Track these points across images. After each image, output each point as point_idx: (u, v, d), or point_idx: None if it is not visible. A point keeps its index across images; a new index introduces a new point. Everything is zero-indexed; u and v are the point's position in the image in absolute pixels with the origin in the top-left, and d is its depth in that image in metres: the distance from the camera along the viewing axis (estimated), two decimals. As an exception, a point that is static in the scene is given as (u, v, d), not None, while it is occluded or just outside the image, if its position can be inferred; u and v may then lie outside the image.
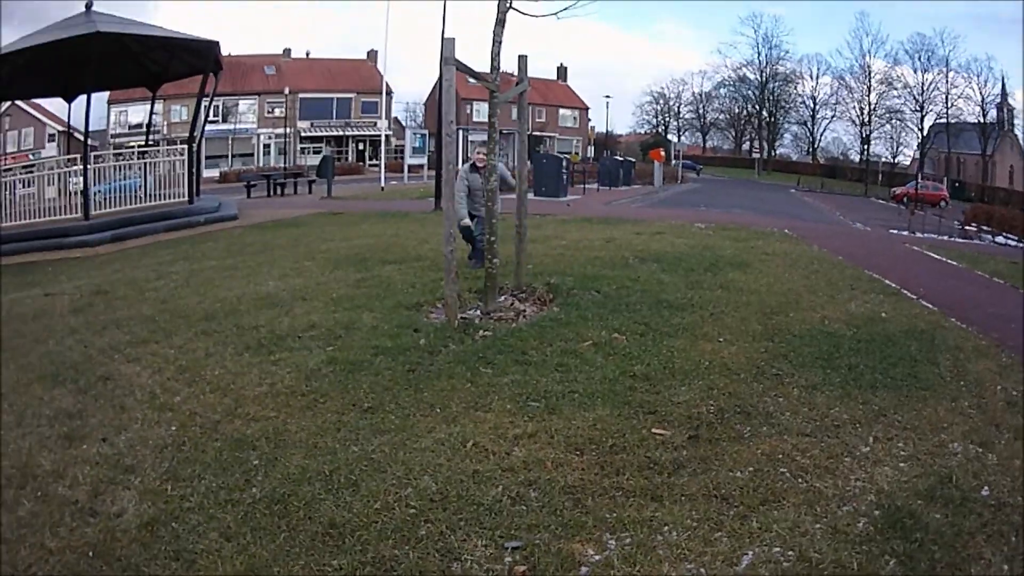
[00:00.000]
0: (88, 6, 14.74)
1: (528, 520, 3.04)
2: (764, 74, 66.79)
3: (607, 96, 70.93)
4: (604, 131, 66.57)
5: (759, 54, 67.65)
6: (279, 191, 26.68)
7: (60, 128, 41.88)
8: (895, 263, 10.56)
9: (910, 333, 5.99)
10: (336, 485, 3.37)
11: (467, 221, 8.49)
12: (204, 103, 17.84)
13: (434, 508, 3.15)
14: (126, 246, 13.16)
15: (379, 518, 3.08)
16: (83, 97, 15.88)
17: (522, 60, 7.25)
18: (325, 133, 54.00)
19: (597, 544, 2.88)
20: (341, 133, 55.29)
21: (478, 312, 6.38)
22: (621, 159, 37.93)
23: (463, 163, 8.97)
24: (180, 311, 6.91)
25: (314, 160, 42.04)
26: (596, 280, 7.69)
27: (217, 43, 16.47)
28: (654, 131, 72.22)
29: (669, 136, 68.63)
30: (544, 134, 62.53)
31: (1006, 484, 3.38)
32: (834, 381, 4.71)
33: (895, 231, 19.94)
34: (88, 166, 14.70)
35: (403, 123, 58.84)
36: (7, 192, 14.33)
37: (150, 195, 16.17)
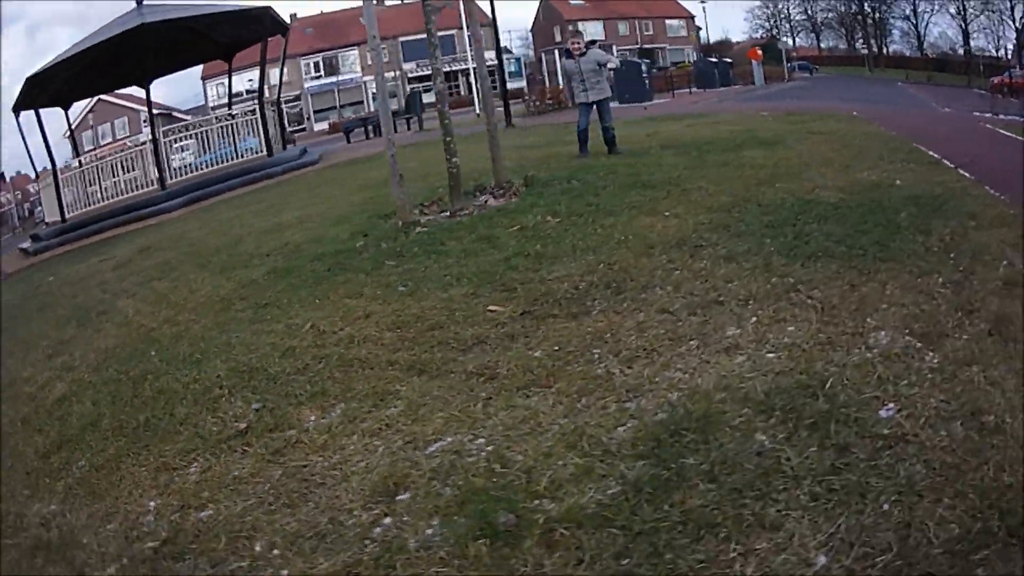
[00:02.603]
0: (138, 2, 15.01)
1: (290, 387, 3.17)
2: None
3: (702, 2, 66.08)
4: (709, 38, 62.31)
5: None
6: (377, 133, 26.68)
7: (156, 111, 44.10)
8: (953, 137, 8.94)
9: (915, 200, 4.54)
10: (186, 365, 3.81)
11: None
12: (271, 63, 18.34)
13: (232, 378, 3.45)
14: (200, 205, 13.57)
15: (192, 386, 3.49)
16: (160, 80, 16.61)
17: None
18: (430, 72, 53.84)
19: (322, 410, 2.90)
20: (449, 68, 55.01)
21: (447, 212, 6.15)
22: (716, 60, 34.96)
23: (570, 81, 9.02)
24: (196, 252, 7.33)
25: (428, 99, 42.38)
26: (584, 170, 7.10)
27: (268, 7, 16.27)
28: (768, 35, 66.88)
29: (784, 39, 63.39)
30: (654, 46, 59.79)
31: (926, 403, 2.12)
32: (763, 251, 3.74)
33: (978, 113, 17.51)
34: (160, 142, 15.54)
35: (511, 50, 57.55)
36: (110, 178, 15.42)
37: (235, 154, 16.83)
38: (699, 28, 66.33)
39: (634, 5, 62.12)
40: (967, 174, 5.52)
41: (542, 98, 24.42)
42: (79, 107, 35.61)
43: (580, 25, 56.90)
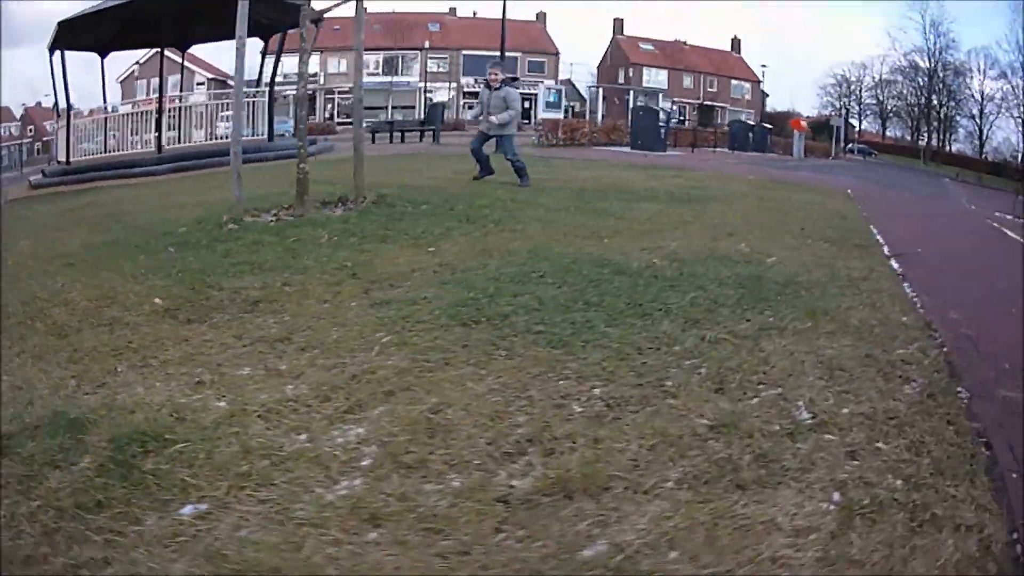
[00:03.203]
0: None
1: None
2: (932, 62, 58.44)
3: (763, 65, 65.71)
4: (775, 106, 61.55)
5: (927, 41, 59.02)
6: (401, 138, 26.68)
7: (209, 76, 45.03)
8: (932, 227, 8.59)
9: (750, 280, 4.00)
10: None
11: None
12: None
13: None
14: (187, 175, 13.82)
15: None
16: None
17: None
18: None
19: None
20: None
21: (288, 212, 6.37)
22: (752, 124, 34.14)
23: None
24: (113, 215, 7.52)
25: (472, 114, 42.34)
26: (452, 195, 7.19)
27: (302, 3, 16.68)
28: (836, 114, 65.82)
29: (851, 120, 62.38)
30: (716, 104, 59.45)
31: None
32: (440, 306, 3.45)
33: (998, 213, 16.41)
34: (165, 108, 16.24)
35: (574, 83, 57.87)
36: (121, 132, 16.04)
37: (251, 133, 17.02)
38: (765, 94, 65.72)
39: (703, 59, 61.77)
40: (896, 264, 5.14)
41: (554, 132, 23.65)
42: (135, 56, 36.10)
43: (644, 71, 57.23)
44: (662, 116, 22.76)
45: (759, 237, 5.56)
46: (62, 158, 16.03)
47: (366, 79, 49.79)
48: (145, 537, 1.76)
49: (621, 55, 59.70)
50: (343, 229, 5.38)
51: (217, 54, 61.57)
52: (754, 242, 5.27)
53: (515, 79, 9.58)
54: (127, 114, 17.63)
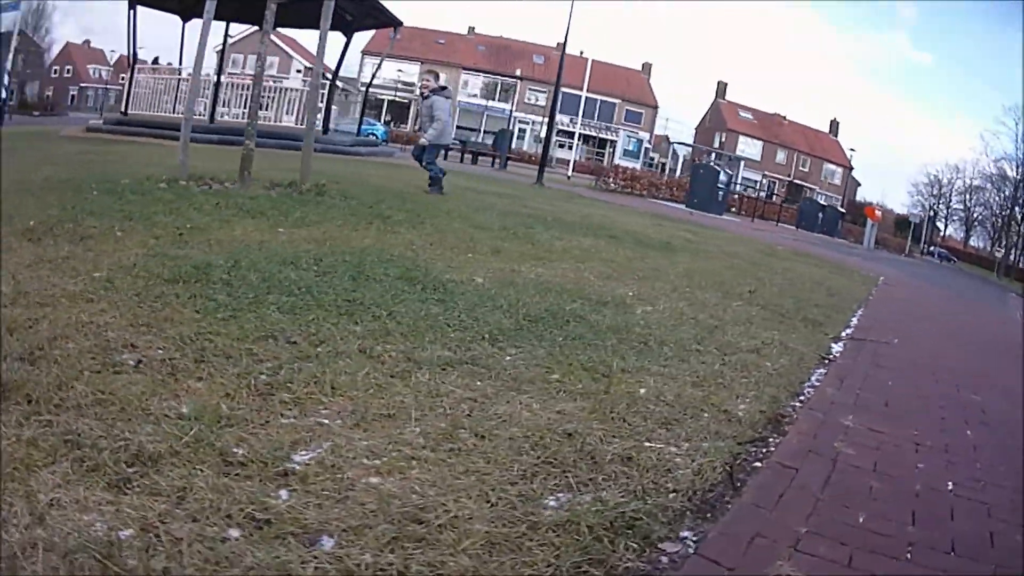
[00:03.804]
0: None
1: None
2: (1021, 171, 54.28)
3: (852, 149, 63.55)
4: (859, 196, 59.40)
5: (1018, 149, 55.07)
6: (473, 159, 26.88)
7: (307, 64, 46.84)
8: (946, 330, 7.00)
9: (568, 315, 3.75)
10: None
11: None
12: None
13: None
14: (225, 148, 14.15)
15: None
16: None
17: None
18: (578, 130, 54.30)
19: None
20: (596, 134, 54.91)
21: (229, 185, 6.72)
22: (824, 204, 32.70)
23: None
24: (99, 163, 8.18)
25: (564, 154, 42.67)
26: (387, 200, 7.24)
27: (379, 4, 17.16)
28: (925, 214, 62.71)
29: (937, 224, 59.30)
30: (805, 184, 57.98)
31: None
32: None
33: None
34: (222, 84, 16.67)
35: (669, 139, 57.86)
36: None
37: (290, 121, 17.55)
38: (857, 183, 63.69)
39: (799, 137, 60.47)
40: (836, 349, 4.40)
41: (614, 177, 24.14)
42: (237, 29, 36.79)
43: (740, 139, 56.33)
44: (722, 177, 21.39)
45: (678, 289, 5.14)
46: (129, 110, 16.59)
47: (466, 100, 51.33)
48: None
49: (720, 119, 58.98)
50: (243, 204, 5.61)
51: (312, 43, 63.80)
52: (660, 292, 4.90)
53: (444, 88, 9.33)
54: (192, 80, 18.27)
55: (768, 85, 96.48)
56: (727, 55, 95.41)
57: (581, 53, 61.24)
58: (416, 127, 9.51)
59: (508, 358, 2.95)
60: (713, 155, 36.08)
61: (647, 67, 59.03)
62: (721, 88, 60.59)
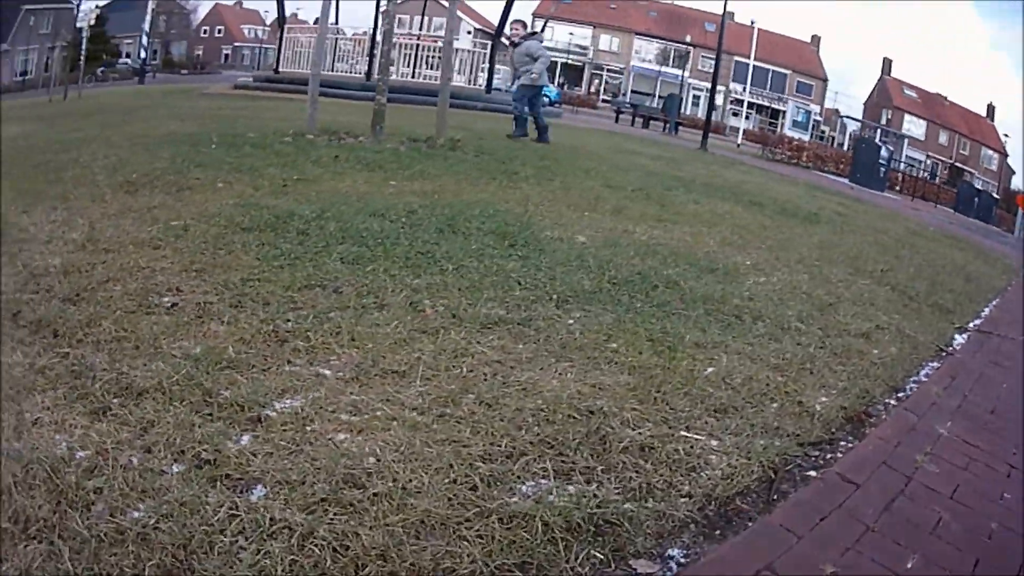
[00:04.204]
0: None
1: None
2: None
3: (1006, 135, 56.20)
4: (1013, 185, 51.89)
5: None
6: (644, 123, 26.16)
7: (476, 25, 46.89)
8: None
9: (664, 281, 3.42)
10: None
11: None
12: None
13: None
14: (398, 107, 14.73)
15: None
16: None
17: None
18: (753, 100, 51.84)
19: None
20: (768, 104, 52.52)
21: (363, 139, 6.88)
22: (980, 190, 29.12)
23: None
24: (227, 119, 8.44)
25: (735, 122, 41.24)
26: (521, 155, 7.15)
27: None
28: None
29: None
30: (964, 167, 53.52)
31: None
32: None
33: None
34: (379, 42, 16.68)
35: (839, 113, 54.80)
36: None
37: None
38: (1012, 171, 57.00)
39: (959, 119, 56.96)
40: (959, 340, 3.85)
41: (780, 147, 22.64)
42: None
43: (906, 117, 52.39)
44: (883, 154, 20.28)
45: (804, 261, 4.62)
46: (281, 68, 16.91)
47: (638, 64, 50.25)
48: None
49: (886, 95, 56.46)
50: (365, 158, 5.69)
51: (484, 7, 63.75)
52: (782, 263, 4.41)
53: (534, 33, 9.37)
54: (355, 38, 18.56)
55: (927, 64, 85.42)
56: (891, 31, 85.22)
57: (752, 23, 58.06)
58: (514, 76, 9.42)
59: (570, 322, 2.73)
60: (879, 131, 33.25)
61: (816, 39, 56.21)
62: (887, 64, 57.29)
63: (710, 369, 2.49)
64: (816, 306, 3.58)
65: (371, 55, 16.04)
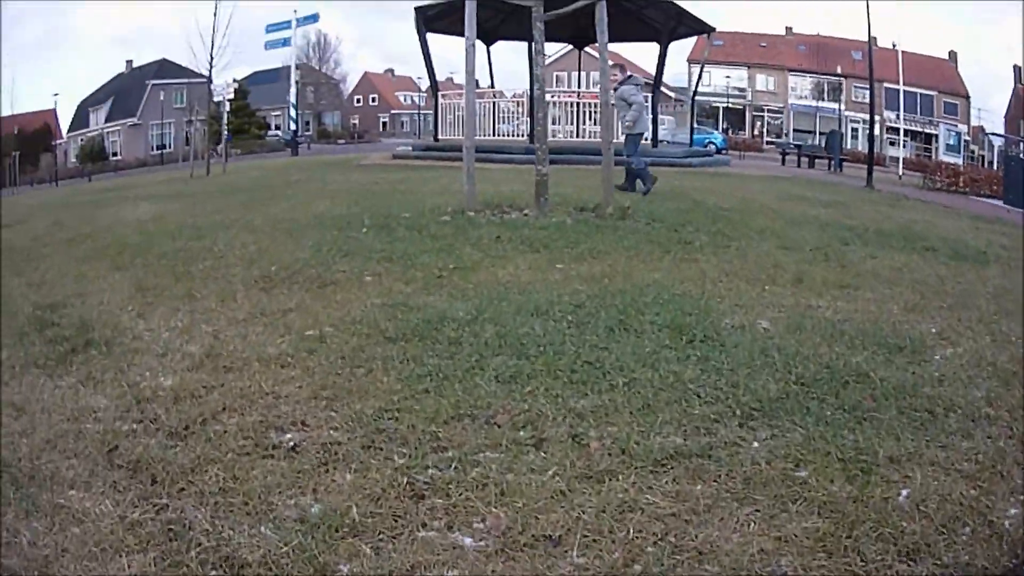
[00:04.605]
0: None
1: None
2: None
3: None
4: None
5: None
6: (810, 163, 25.02)
7: (628, 74, 46.05)
8: None
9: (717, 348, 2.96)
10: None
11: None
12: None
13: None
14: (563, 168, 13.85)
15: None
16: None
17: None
18: (908, 127, 47.86)
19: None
20: (920, 129, 48.55)
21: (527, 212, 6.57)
22: None
23: None
24: (379, 194, 8.44)
25: (892, 152, 39.00)
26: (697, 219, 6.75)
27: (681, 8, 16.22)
28: None
29: None
30: None
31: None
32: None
33: None
34: (543, 102, 16.33)
35: (985, 131, 49.71)
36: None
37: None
38: None
39: None
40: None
41: (938, 175, 20.87)
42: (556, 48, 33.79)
43: None
44: None
45: (984, 319, 3.95)
46: (440, 135, 16.68)
47: (796, 102, 48.10)
48: None
49: (1021, 106, 49.72)
50: (529, 236, 5.32)
51: (643, 56, 63.23)
52: (965, 324, 3.80)
53: (631, 76, 8.89)
54: (515, 99, 18.03)
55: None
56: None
57: (894, 45, 53.80)
58: (623, 124, 8.75)
59: (755, 445, 2.24)
60: (1022, 145, 29.50)
61: (953, 55, 51.92)
62: (1018, 73, 50.74)
63: (904, 493, 2.02)
64: (1001, 379, 2.94)
65: (531, 115, 15.50)
